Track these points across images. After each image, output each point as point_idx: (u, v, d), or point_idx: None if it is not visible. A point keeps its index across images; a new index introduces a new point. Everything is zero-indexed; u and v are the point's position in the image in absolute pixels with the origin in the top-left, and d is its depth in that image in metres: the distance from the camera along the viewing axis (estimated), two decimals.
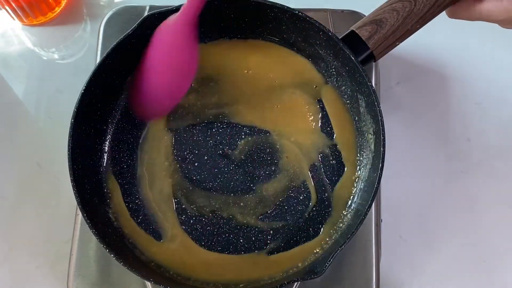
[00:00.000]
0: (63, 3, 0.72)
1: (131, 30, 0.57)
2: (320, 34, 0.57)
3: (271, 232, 0.58)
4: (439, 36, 0.69)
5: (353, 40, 0.55)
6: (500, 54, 0.69)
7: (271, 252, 0.57)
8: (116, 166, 0.60)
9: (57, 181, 0.64)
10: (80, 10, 0.72)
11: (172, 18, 0.55)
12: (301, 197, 0.59)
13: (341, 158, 0.60)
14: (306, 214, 0.58)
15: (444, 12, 0.54)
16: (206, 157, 0.60)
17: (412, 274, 0.61)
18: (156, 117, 0.61)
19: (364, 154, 0.59)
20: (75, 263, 0.58)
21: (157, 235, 0.58)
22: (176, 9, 0.57)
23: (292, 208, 0.59)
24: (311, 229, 0.58)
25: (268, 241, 0.58)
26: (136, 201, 0.59)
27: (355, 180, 0.59)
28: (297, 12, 0.56)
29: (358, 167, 0.59)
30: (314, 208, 0.59)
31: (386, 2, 0.55)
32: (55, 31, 0.71)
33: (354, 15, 0.64)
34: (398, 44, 0.55)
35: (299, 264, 0.57)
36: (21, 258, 0.62)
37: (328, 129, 0.60)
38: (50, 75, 0.69)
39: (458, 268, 0.62)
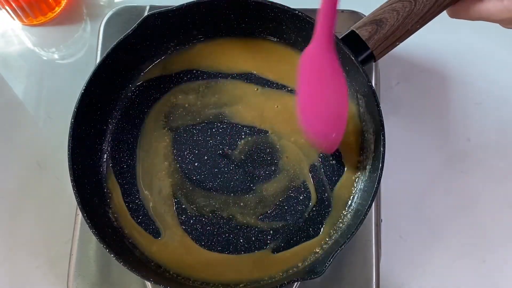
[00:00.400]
0: (63, 3, 0.72)
1: (131, 30, 0.57)
2: None
3: (271, 232, 0.58)
4: (439, 36, 0.69)
5: (353, 40, 0.55)
6: (500, 54, 0.69)
7: (272, 251, 0.58)
8: (116, 166, 0.60)
9: (57, 181, 0.64)
10: (80, 10, 0.72)
11: (309, 46, 0.51)
12: (301, 197, 0.59)
13: (341, 158, 0.60)
14: (306, 214, 0.58)
15: (444, 12, 0.54)
16: (206, 157, 0.60)
17: (412, 274, 0.61)
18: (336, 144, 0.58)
19: (364, 154, 0.59)
20: (75, 263, 0.58)
21: (157, 235, 0.58)
22: (176, 9, 0.57)
23: (292, 208, 0.59)
24: (311, 229, 0.58)
25: (268, 241, 0.58)
26: (136, 201, 0.59)
27: (355, 180, 0.59)
28: (297, 12, 0.56)
29: (358, 167, 0.59)
30: (314, 208, 0.59)
31: (386, 2, 0.55)
32: (55, 31, 0.71)
33: (354, 15, 0.64)
34: (398, 44, 0.55)
35: (299, 264, 0.57)
36: (21, 258, 0.62)
37: None
38: (50, 75, 0.69)
39: (458, 268, 0.62)
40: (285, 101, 0.61)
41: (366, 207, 0.52)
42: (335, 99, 0.53)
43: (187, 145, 0.61)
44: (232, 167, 0.60)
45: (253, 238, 0.58)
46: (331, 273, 0.56)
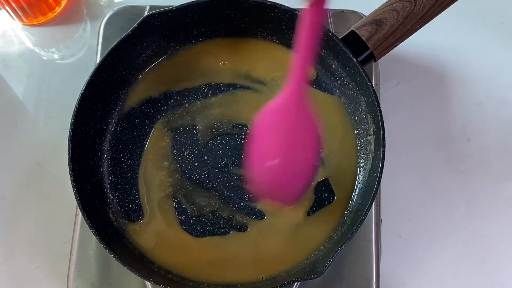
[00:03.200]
0: (63, 3, 0.72)
1: (131, 30, 0.57)
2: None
3: None
4: (439, 36, 0.69)
5: (353, 40, 0.55)
6: (500, 54, 0.69)
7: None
8: (116, 166, 0.60)
9: (57, 181, 0.64)
10: (80, 10, 0.72)
11: (275, 101, 0.50)
12: None
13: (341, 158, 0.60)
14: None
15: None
16: (206, 157, 0.60)
17: (412, 274, 0.61)
18: (296, 200, 0.57)
19: (364, 154, 0.59)
20: (75, 263, 0.58)
21: (157, 235, 0.58)
22: (176, 9, 0.57)
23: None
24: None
25: None
26: (136, 201, 0.59)
27: (355, 180, 0.59)
28: (297, 12, 0.56)
29: (358, 167, 0.59)
30: (314, 208, 0.59)
31: (386, 2, 0.55)
32: (55, 31, 0.71)
33: (354, 15, 0.64)
34: (398, 44, 0.55)
35: (300, 264, 0.57)
36: (21, 258, 0.62)
37: None
38: (50, 75, 0.69)
39: (458, 268, 0.62)
40: None
41: (366, 207, 0.52)
42: (305, 154, 0.51)
43: (187, 145, 0.61)
44: (232, 167, 0.60)
45: None
46: (331, 273, 0.56)
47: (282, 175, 0.52)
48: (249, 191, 0.58)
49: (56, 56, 0.71)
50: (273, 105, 0.50)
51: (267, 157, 0.52)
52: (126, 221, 0.58)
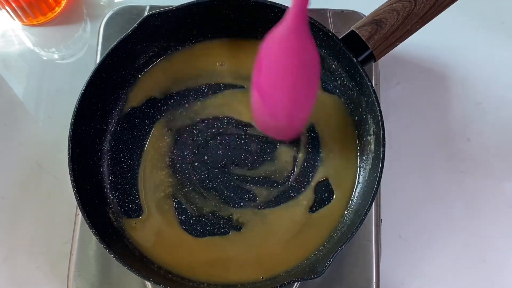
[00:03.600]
0: (63, 3, 0.72)
1: (131, 30, 0.57)
2: (320, 34, 0.57)
3: None
4: (439, 36, 0.69)
5: (353, 40, 0.55)
6: (500, 54, 0.69)
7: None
8: (116, 166, 0.60)
9: (57, 181, 0.64)
10: (80, 10, 0.72)
11: (279, 26, 0.48)
12: (300, 197, 0.59)
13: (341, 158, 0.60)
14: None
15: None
16: (206, 157, 0.60)
17: (412, 274, 0.61)
18: (296, 132, 0.58)
19: (364, 154, 0.59)
20: (75, 263, 0.58)
21: (157, 235, 0.58)
22: (176, 9, 0.57)
23: None
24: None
25: None
26: (136, 201, 0.59)
27: (355, 180, 0.59)
28: None
29: (358, 167, 0.59)
30: (314, 208, 0.59)
31: (386, 2, 0.55)
32: (55, 31, 0.71)
33: (354, 15, 0.64)
34: (398, 44, 0.55)
35: (300, 264, 0.57)
36: (21, 258, 0.62)
37: None
38: (50, 75, 0.69)
39: (458, 268, 0.62)
40: None
41: (366, 207, 0.52)
42: (306, 81, 0.50)
43: (187, 145, 0.61)
44: (232, 167, 0.60)
45: None
46: (331, 273, 0.56)
47: (287, 102, 0.51)
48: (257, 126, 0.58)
49: (56, 56, 0.71)
50: (276, 32, 0.48)
51: (272, 84, 0.50)
52: (125, 217, 0.58)
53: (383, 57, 0.56)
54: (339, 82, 0.60)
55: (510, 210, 0.63)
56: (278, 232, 0.58)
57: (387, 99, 0.66)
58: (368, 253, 0.57)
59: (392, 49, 0.56)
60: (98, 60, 0.62)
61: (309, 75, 0.50)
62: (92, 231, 0.52)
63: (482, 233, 0.63)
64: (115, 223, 0.58)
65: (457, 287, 0.61)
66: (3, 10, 0.69)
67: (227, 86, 0.62)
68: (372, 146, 0.57)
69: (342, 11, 0.65)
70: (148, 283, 0.57)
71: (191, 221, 0.58)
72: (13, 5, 0.67)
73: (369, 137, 0.57)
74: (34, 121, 0.68)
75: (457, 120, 0.67)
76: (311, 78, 0.51)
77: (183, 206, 0.59)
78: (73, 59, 0.70)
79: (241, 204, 0.59)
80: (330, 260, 0.50)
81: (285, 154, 0.60)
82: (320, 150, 0.60)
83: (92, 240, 0.58)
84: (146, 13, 0.62)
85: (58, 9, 0.71)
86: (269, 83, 0.50)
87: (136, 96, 0.62)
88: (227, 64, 0.63)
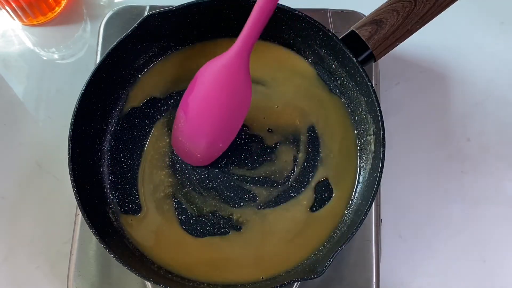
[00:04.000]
0: (63, 3, 0.72)
1: (131, 30, 0.57)
2: (320, 34, 0.57)
3: None
4: (439, 36, 0.69)
5: (353, 40, 0.55)
6: (500, 54, 0.69)
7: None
8: (116, 166, 0.60)
9: (57, 181, 0.64)
10: (80, 10, 0.72)
11: (220, 57, 0.52)
12: (301, 197, 0.59)
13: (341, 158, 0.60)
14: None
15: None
16: None
17: (412, 274, 0.61)
18: (210, 161, 0.59)
19: (364, 154, 0.59)
20: (75, 263, 0.58)
21: (157, 235, 0.58)
22: (176, 9, 0.57)
23: None
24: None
25: None
26: (136, 201, 0.59)
27: (355, 180, 0.59)
28: (297, 12, 0.56)
29: (358, 167, 0.59)
30: (314, 208, 0.59)
31: (386, 2, 0.55)
32: (55, 31, 0.71)
33: (354, 15, 0.64)
34: (398, 44, 0.55)
35: (300, 264, 0.57)
36: (21, 258, 0.62)
37: None
38: (50, 75, 0.69)
39: (458, 268, 0.62)
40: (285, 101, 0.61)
41: (366, 207, 0.52)
42: (232, 115, 0.54)
43: None
44: (232, 167, 0.60)
45: None
46: (331, 273, 0.56)
47: (208, 128, 0.55)
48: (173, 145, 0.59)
49: (56, 56, 0.71)
50: (218, 61, 0.52)
51: (198, 107, 0.54)
52: (124, 215, 0.58)
53: (383, 57, 0.56)
54: (339, 82, 0.60)
55: (510, 210, 0.63)
56: (278, 232, 0.58)
57: (387, 99, 0.66)
58: (368, 253, 0.57)
59: (392, 49, 0.56)
60: (98, 60, 0.62)
61: (236, 111, 0.54)
62: (92, 231, 0.52)
63: (482, 233, 0.63)
64: (115, 223, 0.58)
65: (457, 287, 0.61)
66: (3, 10, 0.69)
67: None
68: (372, 146, 0.57)
69: (342, 11, 0.65)
70: (148, 283, 0.57)
71: (191, 221, 0.58)
72: (13, 5, 0.67)
73: (369, 137, 0.57)
74: (34, 121, 0.68)
75: (457, 120, 0.67)
76: (237, 114, 0.55)
77: (183, 206, 0.59)
78: (73, 59, 0.70)
79: (241, 204, 0.59)
80: (330, 260, 0.50)
81: (285, 154, 0.60)
82: (320, 150, 0.60)
83: (92, 240, 0.58)
84: (146, 13, 0.62)
85: (58, 9, 0.71)
86: (196, 106, 0.54)
87: (136, 96, 0.62)
88: None
